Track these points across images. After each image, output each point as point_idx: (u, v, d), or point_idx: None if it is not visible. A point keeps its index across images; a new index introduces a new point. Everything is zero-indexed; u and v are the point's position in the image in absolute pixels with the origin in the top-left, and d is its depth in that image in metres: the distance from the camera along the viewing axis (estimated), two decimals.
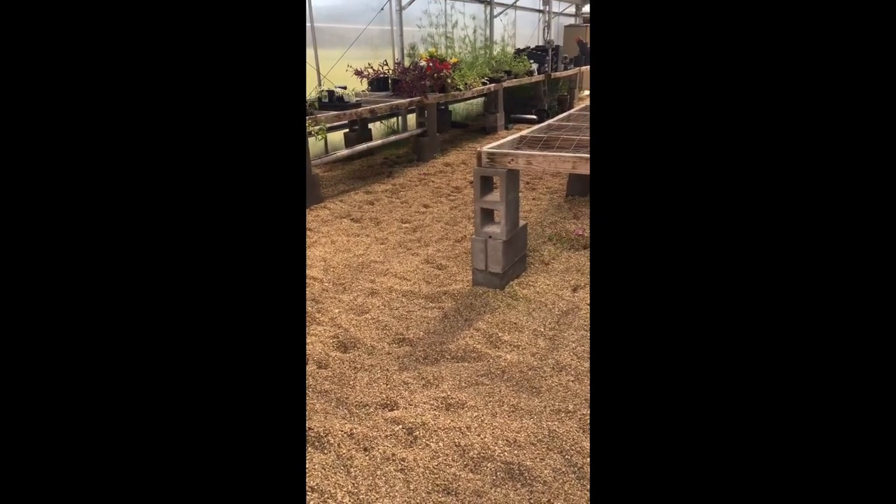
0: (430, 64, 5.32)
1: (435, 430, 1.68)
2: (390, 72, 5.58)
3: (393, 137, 5.53)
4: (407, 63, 6.02)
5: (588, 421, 1.71)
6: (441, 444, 1.63)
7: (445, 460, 1.57)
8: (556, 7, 10.53)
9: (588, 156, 2.38)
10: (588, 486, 1.47)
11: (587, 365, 2.02)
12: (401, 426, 1.71)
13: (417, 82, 5.20)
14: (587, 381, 1.92)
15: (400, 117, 6.35)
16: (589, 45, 9.41)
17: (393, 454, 1.59)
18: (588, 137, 2.82)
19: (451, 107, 7.19)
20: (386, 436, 1.67)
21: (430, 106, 5.41)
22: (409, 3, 6.47)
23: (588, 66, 9.34)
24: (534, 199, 4.14)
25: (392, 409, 1.81)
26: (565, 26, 10.88)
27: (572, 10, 11.73)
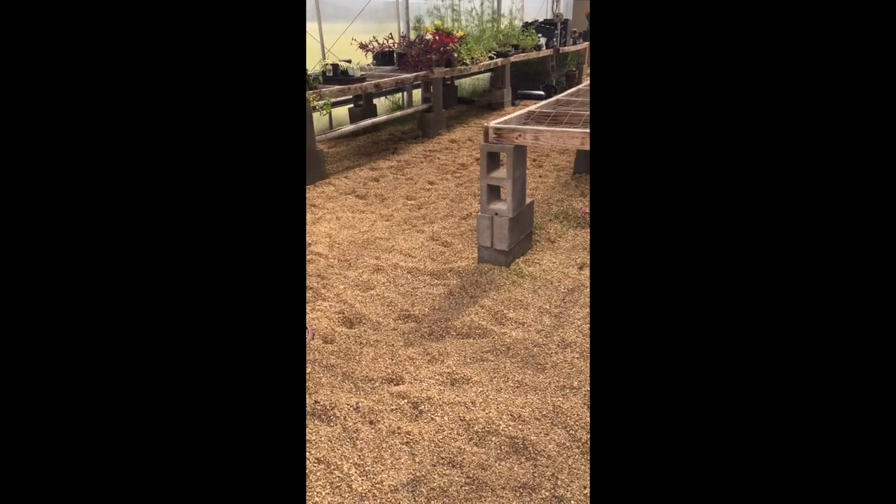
0: (436, 38, 5.21)
1: (440, 405, 1.70)
2: (395, 46, 5.48)
3: (398, 113, 5.47)
4: (412, 36, 5.90)
5: None
6: (446, 418, 1.64)
7: (450, 434, 1.58)
8: None
9: None
10: None
11: None
12: (406, 400, 1.73)
13: (423, 56, 5.10)
14: None
15: (405, 92, 6.26)
16: None
17: (398, 427, 1.61)
18: None
19: (457, 82, 7.07)
20: (391, 409, 1.69)
21: (436, 81, 5.32)
22: None
23: None
24: (540, 176, 4.10)
25: (397, 384, 1.83)
26: (574, 0, 10.63)
27: None
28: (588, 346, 2.00)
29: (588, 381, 1.80)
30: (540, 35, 7.25)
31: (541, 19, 8.13)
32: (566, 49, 7.93)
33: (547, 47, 7.41)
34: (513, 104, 6.90)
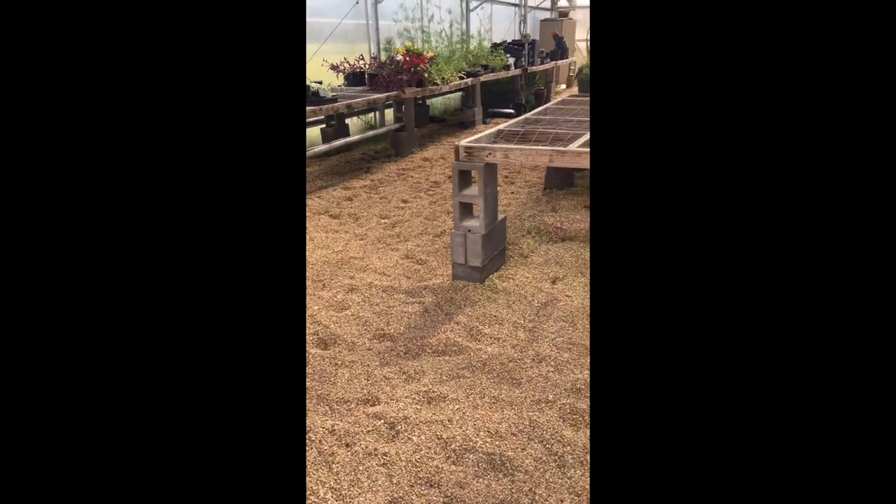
0: (407, 58, 5.29)
1: (417, 424, 1.69)
2: (366, 66, 5.53)
3: (370, 133, 5.49)
4: (383, 57, 5.97)
5: (568, 411, 1.74)
6: (423, 437, 1.64)
7: (428, 453, 1.57)
8: (531, 1, 10.56)
9: (564, 149, 2.41)
10: (568, 475, 1.49)
11: (566, 355, 2.05)
12: (382, 421, 1.71)
13: (394, 77, 5.16)
14: (566, 372, 1.95)
15: (377, 112, 6.30)
16: (565, 40, 9.46)
17: (375, 449, 1.59)
18: (564, 131, 2.84)
19: (429, 101, 7.16)
20: (367, 431, 1.67)
21: (408, 101, 5.38)
22: None
23: (564, 61, 9.39)
24: (512, 192, 4.16)
25: (373, 405, 1.81)
26: (541, 20, 10.92)
27: (547, 4, 11.78)
28: (562, 359, 2.03)
29: (563, 395, 1.82)
30: (508, 55, 7.42)
31: (509, 40, 8.33)
32: (534, 68, 8.13)
33: (515, 67, 7.58)
34: (484, 122, 7.01)
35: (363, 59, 5.64)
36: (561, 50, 9.20)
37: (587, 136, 2.66)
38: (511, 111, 7.27)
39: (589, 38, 6.64)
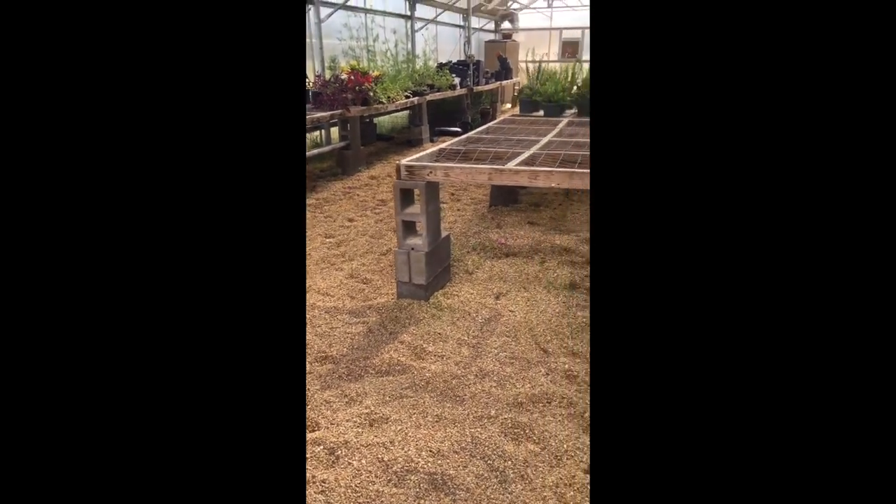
0: (352, 77, 5.29)
1: (357, 448, 1.65)
2: (311, 84, 5.49)
3: (316, 151, 5.43)
4: (328, 76, 5.94)
5: (510, 425, 1.76)
6: (364, 461, 1.60)
7: (368, 477, 1.54)
8: (475, 23, 10.85)
9: (502, 167, 2.46)
10: (509, 490, 1.50)
11: (509, 370, 2.07)
12: (322, 447, 1.67)
13: (338, 95, 5.15)
14: (509, 386, 1.97)
15: (322, 131, 6.25)
16: (509, 60, 9.75)
17: (313, 476, 1.54)
18: (504, 149, 2.92)
19: (376, 120, 7.17)
20: (306, 458, 1.62)
21: (353, 119, 5.37)
22: (329, 16, 6.42)
23: (509, 81, 9.67)
24: (458, 209, 4.21)
25: (313, 430, 1.76)
26: (485, 42, 11.24)
27: (491, 26, 12.14)
28: (504, 374, 2.05)
29: (505, 409, 1.84)
30: (454, 75, 7.57)
31: (454, 60, 8.50)
32: (480, 88, 8.32)
33: (461, 87, 7.74)
34: (431, 140, 7.09)
35: (307, 77, 5.60)
36: (505, 70, 9.47)
37: (526, 155, 2.74)
38: (458, 129, 7.40)
39: (549, 59, 6.86)
